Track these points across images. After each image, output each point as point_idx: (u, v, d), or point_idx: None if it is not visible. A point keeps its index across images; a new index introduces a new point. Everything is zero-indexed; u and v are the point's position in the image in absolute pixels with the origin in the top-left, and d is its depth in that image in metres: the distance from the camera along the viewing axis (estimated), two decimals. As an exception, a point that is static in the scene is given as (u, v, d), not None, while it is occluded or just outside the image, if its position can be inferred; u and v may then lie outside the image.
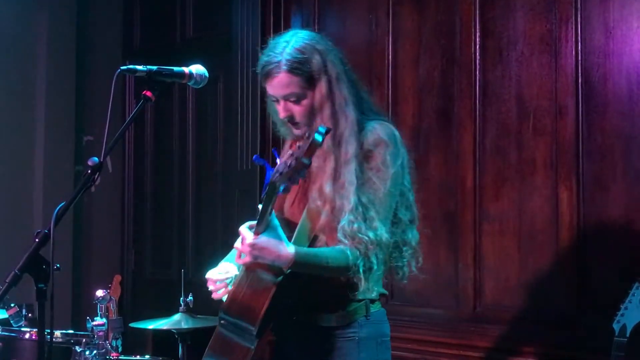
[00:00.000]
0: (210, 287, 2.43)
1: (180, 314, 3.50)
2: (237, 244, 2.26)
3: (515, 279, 3.51)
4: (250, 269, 2.28)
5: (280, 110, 2.37)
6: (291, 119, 2.36)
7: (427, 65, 3.84)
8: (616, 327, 2.82)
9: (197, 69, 2.32)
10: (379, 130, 2.34)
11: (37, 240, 1.98)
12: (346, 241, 2.23)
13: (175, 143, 5.30)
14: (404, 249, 2.40)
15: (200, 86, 2.37)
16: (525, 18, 3.51)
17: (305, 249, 2.26)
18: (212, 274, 2.44)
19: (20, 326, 3.54)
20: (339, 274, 2.28)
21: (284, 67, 2.31)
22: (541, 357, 3.39)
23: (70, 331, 3.51)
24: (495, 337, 3.55)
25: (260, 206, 2.19)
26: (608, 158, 3.26)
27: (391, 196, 2.32)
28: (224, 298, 2.40)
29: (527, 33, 3.51)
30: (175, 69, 2.27)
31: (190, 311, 3.52)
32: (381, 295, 2.44)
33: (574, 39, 3.35)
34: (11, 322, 3.52)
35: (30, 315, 3.69)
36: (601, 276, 3.25)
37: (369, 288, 2.31)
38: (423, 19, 3.86)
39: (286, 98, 2.34)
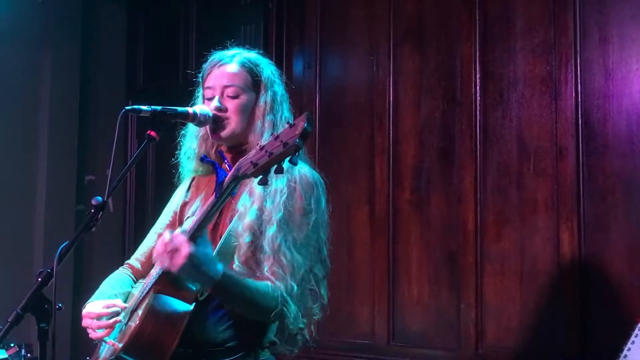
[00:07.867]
0: (88, 323, 2.25)
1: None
2: (160, 247, 2.01)
3: (517, 319, 3.49)
4: (151, 302, 2.10)
5: (214, 101, 2.30)
6: (221, 111, 2.29)
7: (428, 105, 3.86)
8: (619, 369, 2.80)
9: (201, 109, 2.32)
10: (307, 171, 2.29)
11: (39, 279, 1.98)
12: (269, 257, 2.14)
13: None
14: (314, 307, 2.27)
15: (204, 126, 2.38)
16: (525, 60, 3.55)
17: (234, 274, 2.11)
18: (93, 307, 2.26)
19: (19, 366, 3.52)
20: (260, 312, 2.16)
21: (236, 60, 2.33)
22: (544, 399, 3.37)
23: (70, 371, 3.49)
24: (497, 379, 3.53)
25: (204, 208, 2.01)
26: (609, 199, 3.26)
27: (308, 240, 2.23)
28: (110, 338, 2.21)
29: (527, 75, 3.53)
30: (179, 109, 2.28)
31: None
32: (271, 343, 2.31)
33: (573, 81, 3.38)
34: (10, 362, 3.49)
35: (29, 355, 3.66)
36: (603, 317, 3.24)
37: (297, 316, 2.19)
38: (424, 60, 3.89)
39: (226, 88, 2.31)
